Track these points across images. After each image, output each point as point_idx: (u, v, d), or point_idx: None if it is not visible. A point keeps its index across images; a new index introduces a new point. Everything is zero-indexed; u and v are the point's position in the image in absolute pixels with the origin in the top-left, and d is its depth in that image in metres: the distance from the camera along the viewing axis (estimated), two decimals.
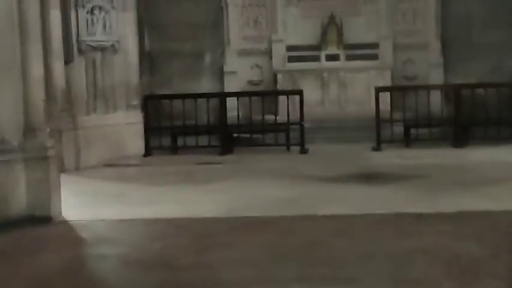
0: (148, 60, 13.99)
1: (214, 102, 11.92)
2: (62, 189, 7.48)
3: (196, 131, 11.55)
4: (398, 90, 11.88)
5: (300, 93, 11.39)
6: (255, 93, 11.71)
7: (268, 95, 11.82)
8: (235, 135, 11.71)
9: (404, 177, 9.21)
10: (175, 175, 10.19)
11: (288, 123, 11.43)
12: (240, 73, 13.68)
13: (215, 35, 13.89)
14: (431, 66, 13.75)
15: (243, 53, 13.72)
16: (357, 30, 13.51)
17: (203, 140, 11.75)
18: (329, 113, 13.05)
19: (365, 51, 13.26)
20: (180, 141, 11.92)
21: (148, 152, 11.58)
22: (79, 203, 8.18)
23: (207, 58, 14.02)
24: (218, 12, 13.93)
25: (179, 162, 11.29)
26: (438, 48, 13.78)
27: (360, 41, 13.35)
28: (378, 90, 11.50)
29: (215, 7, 13.97)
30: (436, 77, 13.68)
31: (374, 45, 13.47)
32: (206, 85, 13.95)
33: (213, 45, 13.92)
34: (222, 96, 11.51)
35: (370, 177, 9.31)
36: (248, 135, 11.76)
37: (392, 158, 10.85)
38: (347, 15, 13.61)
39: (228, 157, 11.43)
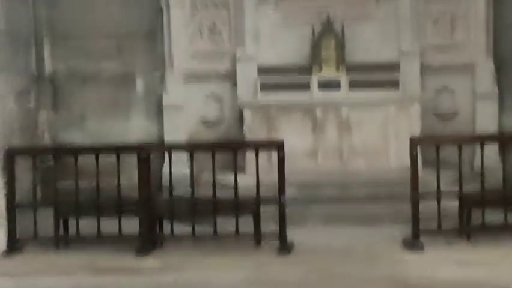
0: (49, 87, 9.57)
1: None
2: None
3: (99, 209, 6.58)
4: (450, 142, 6.92)
5: (278, 146, 6.43)
6: (202, 146, 6.72)
7: (224, 150, 6.80)
8: (166, 217, 6.73)
9: None
10: None
11: (259, 200, 6.48)
12: (188, 107, 9.35)
13: (151, 49, 9.47)
14: (479, 98, 9.22)
15: (193, 76, 9.33)
16: (367, 43, 9.15)
17: (111, 225, 6.76)
18: (325, 171, 8.53)
19: (378, 76, 8.87)
20: (73, 227, 6.91)
21: (13, 246, 6.60)
22: None
23: (139, 85, 9.54)
24: (155, 15, 9.41)
25: (63, 267, 6.37)
26: (491, 70, 9.20)
27: (371, 60, 9.05)
28: (416, 142, 6.58)
29: (151, 8, 9.41)
30: (487, 114, 9.19)
31: (393, 66, 9.04)
32: (137, 125, 9.51)
33: (148, 65, 9.50)
34: (143, 150, 6.50)
35: None
36: (190, 216, 6.77)
37: (447, 267, 5.97)
38: (351, 20, 9.08)
39: (151, 260, 6.46)
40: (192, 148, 6.58)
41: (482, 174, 6.63)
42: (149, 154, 6.56)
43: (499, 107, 9.17)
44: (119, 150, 6.52)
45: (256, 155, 6.54)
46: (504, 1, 9.21)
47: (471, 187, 7.03)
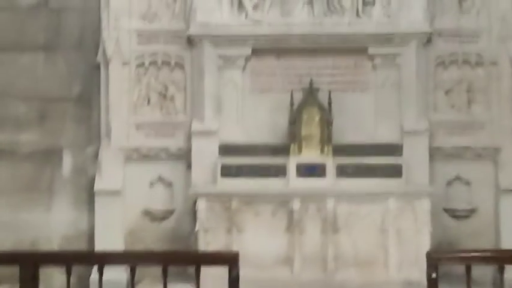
0: None
1: None
2: None
3: None
4: (486, 262, 4.80)
5: (230, 260, 4.27)
6: (117, 257, 4.56)
7: (148, 263, 4.63)
8: None
9: None
10: None
11: None
12: (128, 194, 7.62)
13: (83, 118, 7.89)
14: (505, 193, 7.46)
15: (137, 155, 7.67)
16: (361, 119, 7.60)
17: None
18: (304, 284, 6.91)
19: (375, 160, 7.33)
20: None
21: None
22: None
23: (66, 163, 7.90)
24: (90, 74, 7.82)
25: None
26: None
27: (366, 140, 7.53)
28: (435, 260, 4.53)
29: (85, 64, 7.85)
30: None
31: (393, 149, 7.46)
32: (62, 215, 7.83)
33: (79, 138, 7.91)
34: (26, 262, 4.29)
35: None
36: None
37: None
38: (341, 88, 7.58)
39: None
40: (102, 260, 4.40)
41: None
42: (37, 268, 4.37)
43: None
44: None
45: (197, 273, 4.37)
46: None
47: None
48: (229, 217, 7.00)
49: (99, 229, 7.43)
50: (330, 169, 7.19)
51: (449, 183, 7.55)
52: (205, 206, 7.02)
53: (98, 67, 7.65)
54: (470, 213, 7.54)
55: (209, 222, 6.99)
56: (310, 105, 7.35)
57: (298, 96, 7.34)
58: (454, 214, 7.56)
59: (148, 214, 7.57)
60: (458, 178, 7.56)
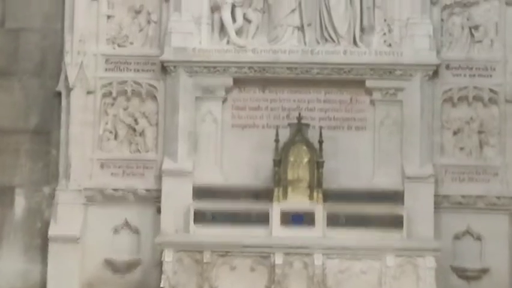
0: None
1: None
2: None
3: None
4: None
5: None
6: None
7: None
8: None
9: None
10: None
11: None
12: (88, 242, 7.20)
13: (39, 154, 7.43)
14: None
15: (100, 197, 7.29)
16: (356, 161, 7.30)
17: None
18: None
19: (372, 209, 6.99)
20: None
21: None
22: None
23: (19, 204, 7.40)
24: (49, 104, 7.40)
25: None
26: None
27: (361, 185, 7.21)
28: None
29: (44, 93, 7.43)
30: None
31: (393, 196, 7.12)
32: (11, 264, 7.31)
33: (33, 176, 7.47)
34: None
35: None
36: None
37: None
38: (333, 125, 7.31)
39: None
40: None
41: None
42: None
43: None
44: None
45: None
46: None
47: None
48: (201, 272, 6.52)
49: (52, 282, 7.00)
50: (320, 218, 6.79)
51: (457, 237, 7.15)
52: (173, 257, 6.46)
53: (59, 96, 7.23)
54: (481, 273, 7.11)
55: (177, 278, 6.47)
56: (298, 144, 6.96)
57: (284, 134, 6.96)
58: (462, 274, 7.12)
59: (111, 265, 7.10)
60: (468, 232, 7.16)
